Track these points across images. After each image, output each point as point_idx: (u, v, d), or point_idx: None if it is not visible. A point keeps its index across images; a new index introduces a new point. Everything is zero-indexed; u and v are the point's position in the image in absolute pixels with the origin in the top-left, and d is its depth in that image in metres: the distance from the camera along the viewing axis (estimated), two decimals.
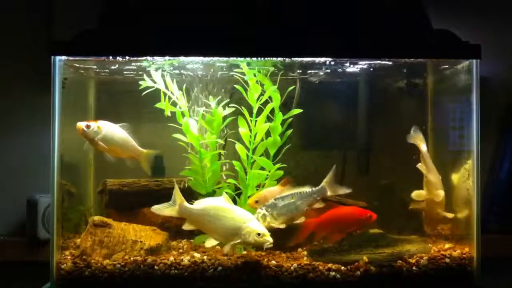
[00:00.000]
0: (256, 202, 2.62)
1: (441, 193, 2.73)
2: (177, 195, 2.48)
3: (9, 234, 3.22)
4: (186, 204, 2.48)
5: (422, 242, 2.64)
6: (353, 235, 2.64)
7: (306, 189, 2.55)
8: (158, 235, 2.66)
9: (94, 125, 2.65)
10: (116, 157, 2.72)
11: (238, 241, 2.40)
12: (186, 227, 2.49)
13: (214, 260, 2.48)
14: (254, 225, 2.41)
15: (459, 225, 2.72)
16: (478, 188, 2.56)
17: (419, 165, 2.76)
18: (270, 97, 2.76)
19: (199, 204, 2.49)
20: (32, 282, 2.56)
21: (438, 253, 2.57)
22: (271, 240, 2.39)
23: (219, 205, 2.48)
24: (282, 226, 2.50)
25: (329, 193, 2.55)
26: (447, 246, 2.70)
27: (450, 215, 2.74)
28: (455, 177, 2.78)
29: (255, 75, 2.72)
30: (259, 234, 2.38)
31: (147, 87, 2.72)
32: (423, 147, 2.77)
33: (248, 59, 2.59)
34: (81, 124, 2.63)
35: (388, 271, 2.47)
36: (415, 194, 2.77)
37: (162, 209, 2.49)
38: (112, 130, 2.69)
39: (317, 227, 2.60)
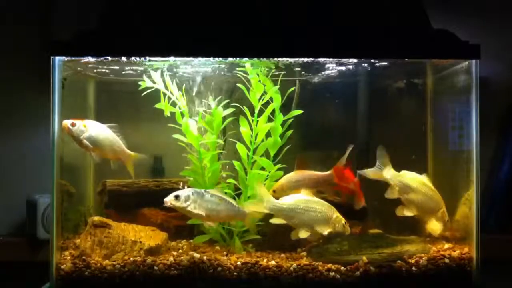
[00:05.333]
0: (274, 191, 2.68)
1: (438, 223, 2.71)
2: (264, 191, 2.56)
3: (9, 234, 3.22)
4: (274, 200, 2.56)
5: (421, 242, 2.63)
6: (353, 235, 2.65)
7: (233, 202, 2.58)
8: (158, 236, 2.66)
9: (80, 123, 2.60)
10: (102, 157, 2.68)
11: (330, 230, 2.55)
12: (275, 221, 2.56)
13: (214, 260, 2.48)
14: (339, 215, 2.58)
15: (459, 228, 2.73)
16: (477, 188, 2.56)
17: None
18: (270, 98, 2.77)
19: (287, 199, 2.57)
20: (32, 282, 2.56)
21: (438, 253, 2.57)
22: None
23: (307, 199, 2.57)
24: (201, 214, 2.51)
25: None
26: (446, 246, 2.70)
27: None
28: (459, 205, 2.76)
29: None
30: (345, 223, 2.58)
31: (147, 88, 2.73)
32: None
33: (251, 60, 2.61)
34: (67, 122, 2.56)
35: (388, 271, 2.47)
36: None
37: (248, 205, 2.59)
38: (98, 130, 2.65)
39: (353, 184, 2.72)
